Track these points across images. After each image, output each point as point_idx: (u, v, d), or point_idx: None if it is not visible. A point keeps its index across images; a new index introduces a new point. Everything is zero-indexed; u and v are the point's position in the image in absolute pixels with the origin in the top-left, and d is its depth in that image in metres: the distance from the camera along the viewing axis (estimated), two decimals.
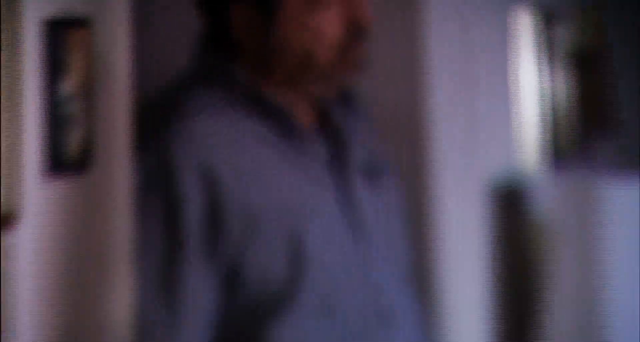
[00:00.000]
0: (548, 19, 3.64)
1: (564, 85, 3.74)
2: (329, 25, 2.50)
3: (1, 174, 1.84)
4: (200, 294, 2.46)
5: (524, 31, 3.57)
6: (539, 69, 3.68)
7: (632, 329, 4.24)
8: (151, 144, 2.44)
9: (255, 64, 2.56)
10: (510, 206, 3.52)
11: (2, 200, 1.82)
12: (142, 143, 2.32)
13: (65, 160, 1.97)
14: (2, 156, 1.82)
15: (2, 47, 1.88)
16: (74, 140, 1.99)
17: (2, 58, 1.87)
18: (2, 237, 1.84)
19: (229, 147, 2.51)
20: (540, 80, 3.69)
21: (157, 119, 2.49)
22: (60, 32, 1.95)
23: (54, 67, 1.95)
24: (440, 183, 3.17)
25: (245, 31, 2.53)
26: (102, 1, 2.09)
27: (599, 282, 4.11)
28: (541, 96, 3.67)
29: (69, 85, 1.99)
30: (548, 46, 3.68)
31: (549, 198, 3.63)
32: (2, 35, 1.90)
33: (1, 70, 1.86)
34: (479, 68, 3.40)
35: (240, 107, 2.55)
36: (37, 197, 1.92)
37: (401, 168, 2.87)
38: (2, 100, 1.83)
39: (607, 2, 4.35)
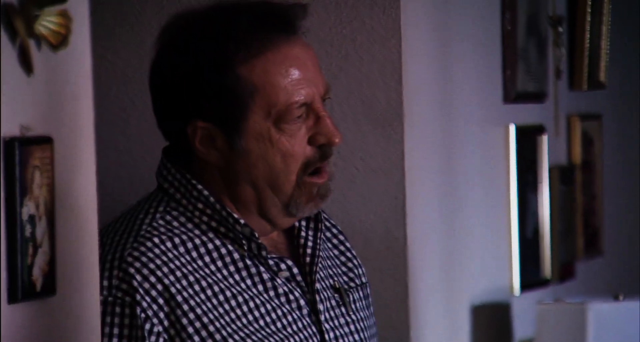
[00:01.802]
0: (531, 133, 3.63)
1: (555, 202, 3.69)
2: (295, 144, 2.32)
3: None
4: None
5: (509, 144, 3.54)
6: (528, 182, 3.60)
7: None
8: (110, 269, 2.31)
9: (220, 185, 2.40)
10: (492, 324, 3.47)
11: None
12: (103, 265, 2.21)
13: (29, 284, 1.83)
14: None
15: None
16: (37, 263, 1.85)
17: None
18: None
19: (190, 270, 2.35)
20: (525, 197, 3.61)
21: (118, 241, 2.34)
22: (19, 155, 1.83)
23: (18, 192, 1.84)
24: (417, 300, 3.06)
25: (206, 149, 2.34)
26: (63, 119, 1.95)
27: None
28: (525, 214, 3.59)
29: (31, 203, 1.88)
30: (529, 160, 3.61)
31: (532, 317, 3.49)
32: None
33: None
34: (470, 174, 3.35)
35: (204, 226, 2.40)
36: (4, 322, 1.81)
37: (377, 283, 2.77)
38: None
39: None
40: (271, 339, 2.37)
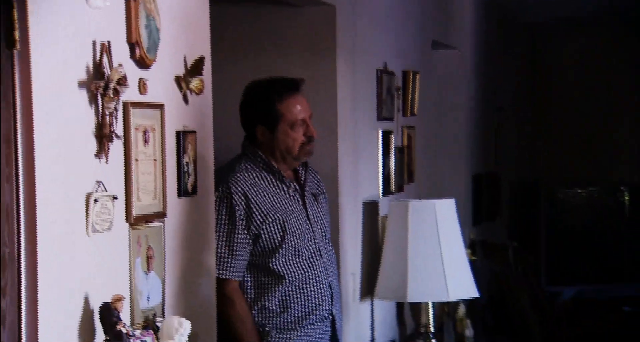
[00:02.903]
0: (388, 133, 4.15)
1: (395, 160, 4.21)
2: (298, 137, 2.99)
3: (159, 195, 2.22)
4: (243, 245, 2.94)
5: (379, 137, 4.09)
6: (386, 152, 4.12)
7: None
8: (221, 184, 2.89)
9: (268, 151, 3.02)
10: (371, 211, 3.95)
11: (160, 206, 2.24)
12: (217, 183, 2.73)
13: (186, 189, 2.43)
14: (157, 187, 2.24)
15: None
16: (189, 181, 2.43)
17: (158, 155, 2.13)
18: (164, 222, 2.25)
19: (255, 185, 2.97)
20: (385, 159, 4.09)
21: (224, 173, 2.93)
22: (182, 138, 2.38)
23: (182, 152, 2.36)
24: (342, 201, 3.61)
25: (262, 136, 3.01)
26: (199, 123, 2.46)
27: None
28: (385, 165, 4.10)
29: (187, 157, 2.44)
30: (387, 144, 4.07)
31: (387, 207, 3.95)
32: None
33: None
34: (363, 149, 3.88)
35: (262, 169, 3.00)
36: (175, 204, 2.38)
37: (329, 195, 3.32)
38: (156, 163, 2.19)
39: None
40: (286, 213, 2.98)
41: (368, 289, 3.80)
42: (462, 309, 4.33)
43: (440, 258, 3.60)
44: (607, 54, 7.34)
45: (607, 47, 7.37)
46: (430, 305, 3.75)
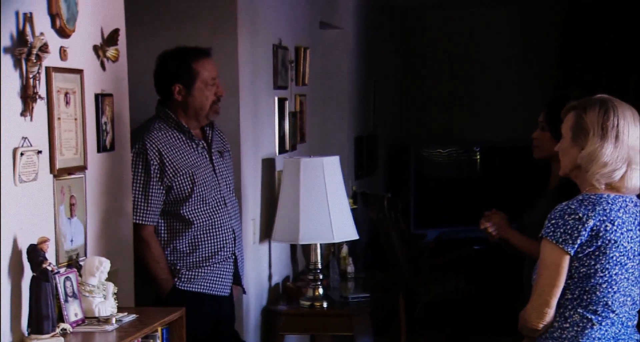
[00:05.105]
0: (283, 100, 4.06)
1: (289, 123, 4.06)
2: (210, 95, 2.94)
3: (80, 150, 2.24)
4: (157, 195, 2.92)
5: (275, 103, 3.90)
6: (281, 116, 3.97)
7: None
8: (137, 142, 2.88)
9: (180, 112, 2.97)
10: (269, 166, 3.91)
11: (81, 160, 2.24)
12: (134, 141, 2.77)
13: (105, 146, 2.44)
14: (78, 143, 2.23)
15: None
16: (107, 138, 2.45)
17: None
18: (85, 176, 2.23)
19: (167, 143, 2.94)
20: (281, 121, 3.99)
21: (140, 132, 2.92)
22: (100, 100, 2.36)
23: (100, 113, 2.35)
24: (243, 157, 3.53)
25: (179, 94, 2.93)
26: (116, 87, 2.42)
27: None
28: (281, 126, 3.95)
29: (105, 117, 2.43)
30: (282, 109, 3.99)
31: (282, 163, 3.87)
32: None
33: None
34: (262, 114, 3.81)
35: (174, 128, 2.97)
36: (95, 159, 2.38)
37: (232, 152, 3.26)
38: (78, 123, 2.16)
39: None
40: (195, 167, 2.94)
41: (266, 233, 3.80)
42: (344, 249, 4.34)
43: (326, 207, 3.59)
44: (465, 29, 7.44)
45: (465, 24, 7.46)
46: (318, 246, 3.72)
